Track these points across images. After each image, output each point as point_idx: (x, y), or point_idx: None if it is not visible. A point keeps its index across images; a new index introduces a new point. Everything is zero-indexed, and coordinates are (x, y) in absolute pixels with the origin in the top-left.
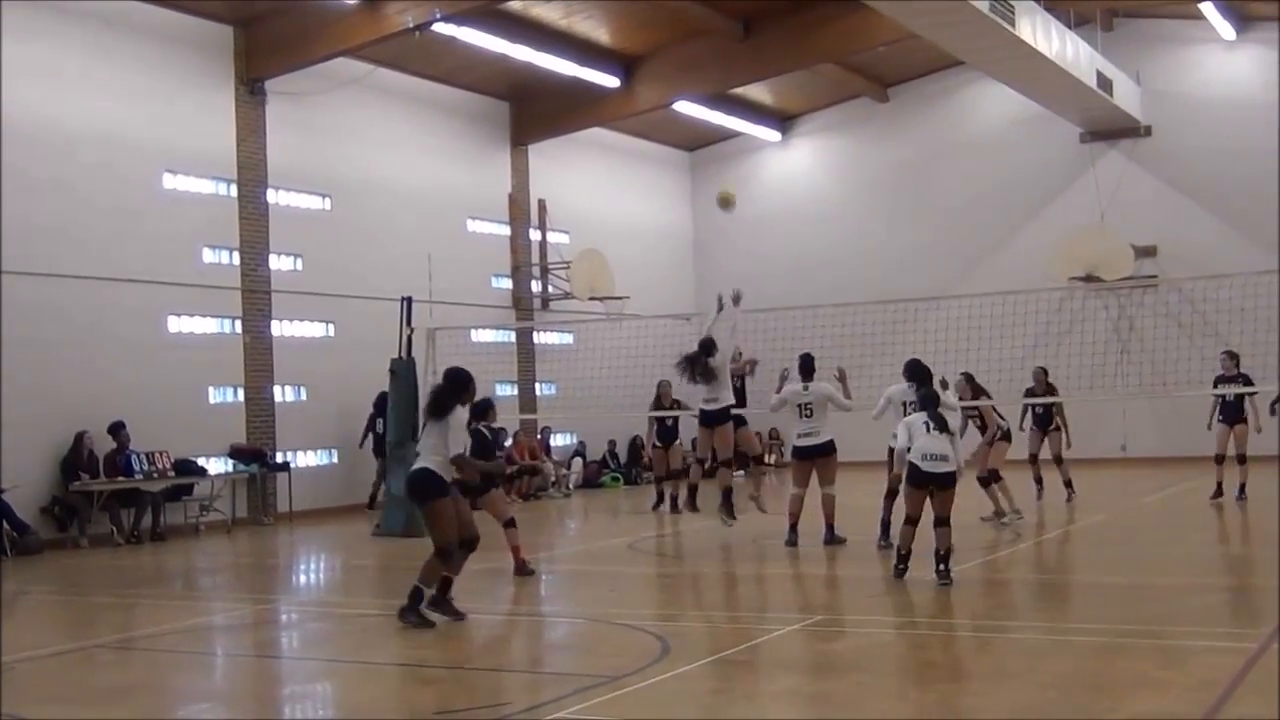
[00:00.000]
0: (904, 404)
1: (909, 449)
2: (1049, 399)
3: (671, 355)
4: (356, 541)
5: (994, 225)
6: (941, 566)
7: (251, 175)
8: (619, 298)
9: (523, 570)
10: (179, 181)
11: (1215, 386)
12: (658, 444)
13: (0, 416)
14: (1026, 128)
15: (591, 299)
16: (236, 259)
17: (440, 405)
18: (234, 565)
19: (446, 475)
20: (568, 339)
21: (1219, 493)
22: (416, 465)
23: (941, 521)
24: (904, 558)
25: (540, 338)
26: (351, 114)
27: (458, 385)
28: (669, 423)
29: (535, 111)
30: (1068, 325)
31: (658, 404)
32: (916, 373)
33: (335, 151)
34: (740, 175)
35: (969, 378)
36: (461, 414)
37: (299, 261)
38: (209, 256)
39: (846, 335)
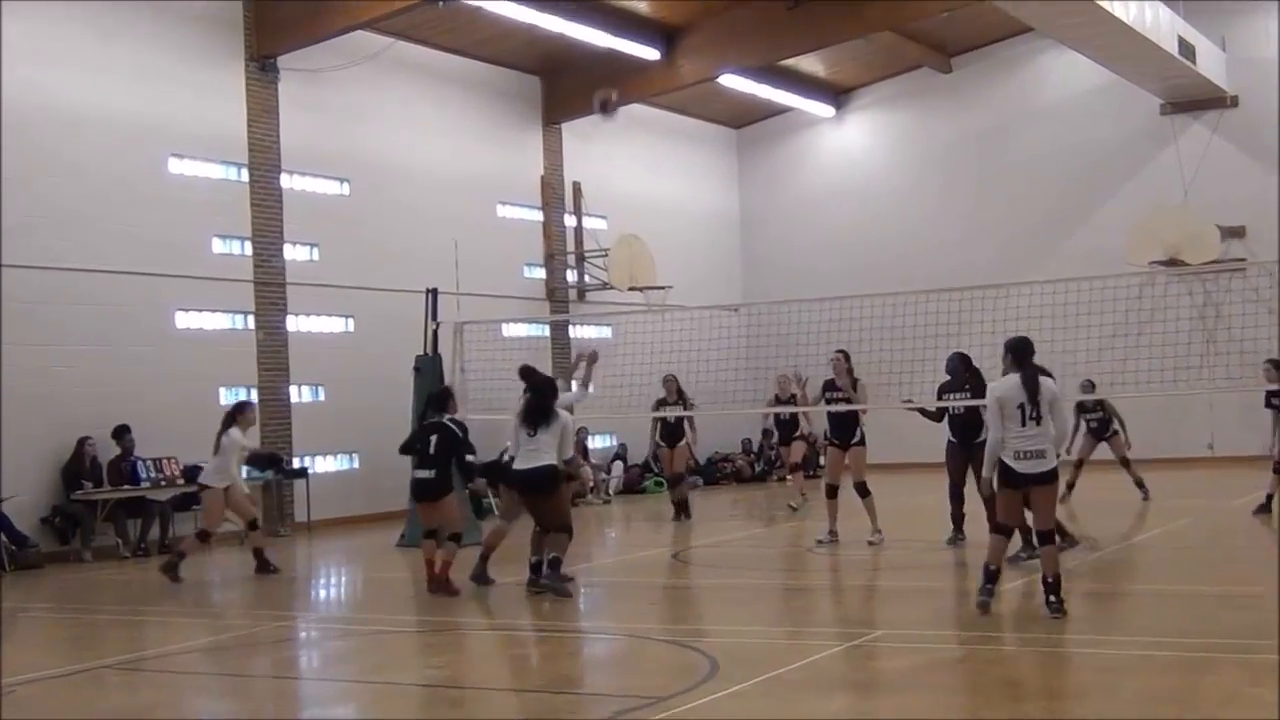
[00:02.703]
0: (1019, 406)
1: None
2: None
3: (718, 349)
4: (380, 553)
5: (1067, 206)
6: (1052, 598)
7: (264, 159)
8: (661, 287)
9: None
10: (186, 166)
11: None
12: (662, 443)
13: None
14: (1102, 99)
15: (631, 289)
16: (249, 249)
17: (546, 411)
18: (248, 579)
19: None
20: (606, 333)
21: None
22: (541, 463)
23: (1045, 538)
24: (992, 576)
25: (576, 331)
26: (370, 91)
27: (550, 390)
28: (672, 420)
29: (569, 86)
30: (1148, 314)
31: (661, 400)
32: (1021, 350)
33: (353, 132)
34: (791, 153)
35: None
36: (566, 419)
37: (316, 251)
38: (219, 247)
39: (905, 326)
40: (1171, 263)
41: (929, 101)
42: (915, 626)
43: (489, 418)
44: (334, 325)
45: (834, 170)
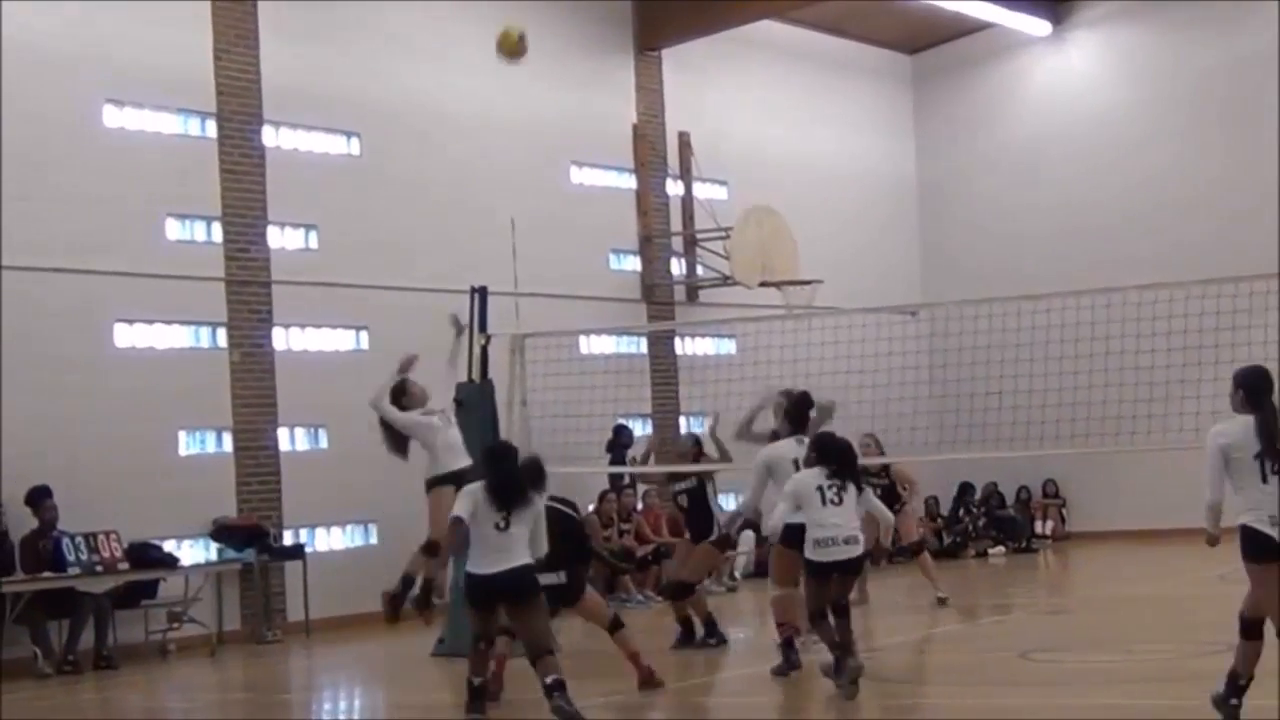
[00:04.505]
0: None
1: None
2: None
3: (888, 366)
4: (410, 666)
5: None
6: None
7: (239, 104)
8: (806, 282)
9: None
10: (128, 117)
11: None
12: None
13: None
14: None
15: (764, 285)
16: (217, 234)
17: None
18: (223, 704)
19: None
20: (729, 347)
21: None
22: (515, 564)
23: None
24: (1238, 689)
25: (686, 346)
26: (387, 10)
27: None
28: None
29: (671, 1)
30: None
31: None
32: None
33: (363, 67)
34: (990, 89)
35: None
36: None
37: (313, 236)
38: (176, 230)
39: (1161, 333)
40: None
41: (1188, 14)
42: None
43: (561, 470)
44: (340, 341)
45: (1051, 112)
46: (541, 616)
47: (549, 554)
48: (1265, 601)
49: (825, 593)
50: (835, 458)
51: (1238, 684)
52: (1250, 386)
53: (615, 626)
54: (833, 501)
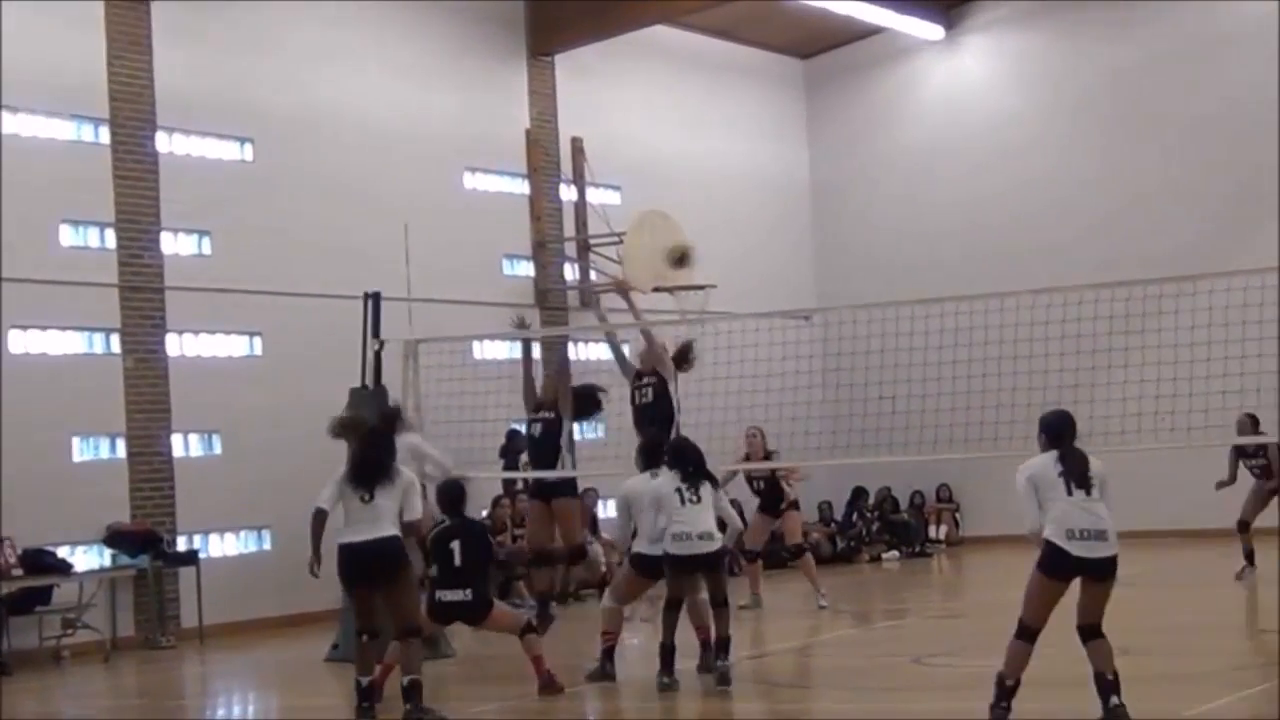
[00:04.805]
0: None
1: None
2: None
3: (781, 370)
4: (303, 671)
5: None
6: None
7: (131, 110)
8: (699, 287)
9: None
10: (21, 123)
11: None
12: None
13: None
14: None
15: (657, 290)
16: (110, 240)
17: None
18: (116, 710)
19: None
20: (622, 351)
21: None
22: (381, 534)
23: (1094, 632)
24: (1009, 692)
25: (579, 351)
26: (281, 14)
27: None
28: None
29: (564, 4)
30: None
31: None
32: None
33: (257, 73)
34: (883, 93)
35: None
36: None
37: (206, 242)
38: (69, 236)
39: (1054, 338)
40: None
41: (1082, 17)
42: None
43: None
44: (233, 347)
45: (943, 117)
46: (410, 592)
47: (455, 571)
48: (1035, 605)
49: (683, 585)
50: (689, 461)
51: (1005, 685)
52: (1052, 432)
53: (526, 630)
54: (691, 500)
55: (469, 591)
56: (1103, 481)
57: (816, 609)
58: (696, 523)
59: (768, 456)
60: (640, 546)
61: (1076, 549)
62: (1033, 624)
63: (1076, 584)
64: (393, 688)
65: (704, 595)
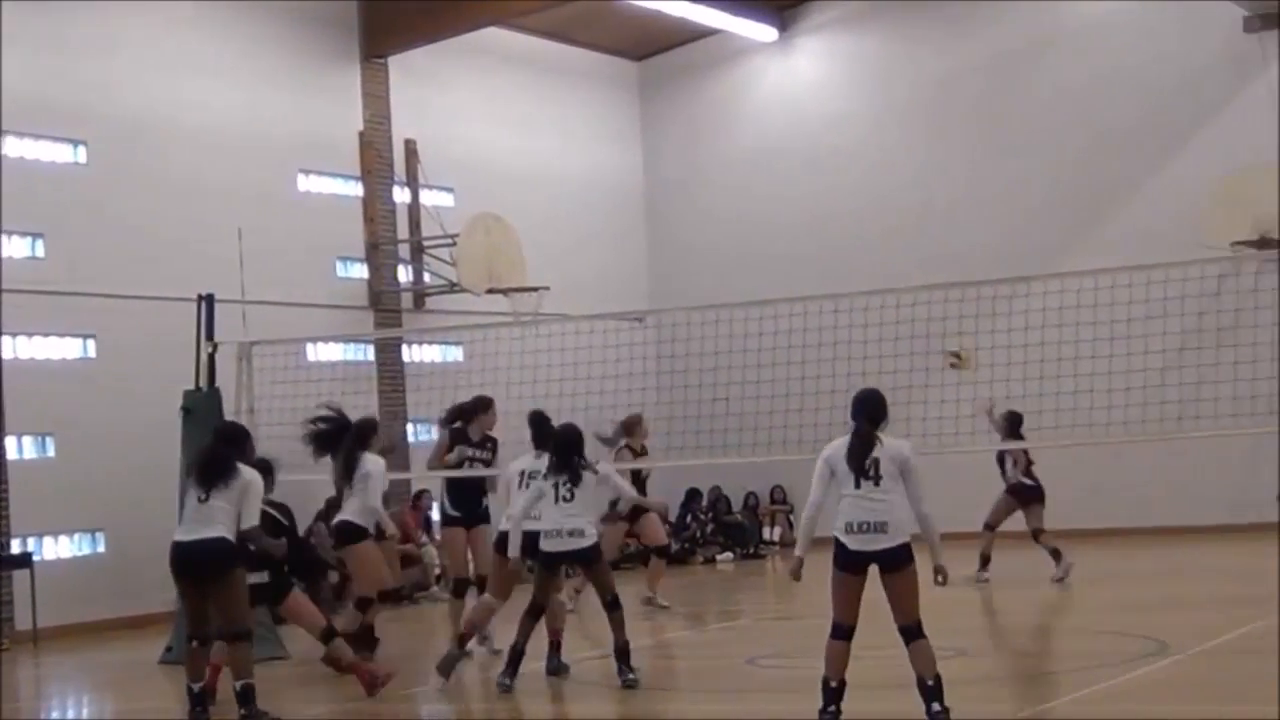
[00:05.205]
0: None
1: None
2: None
3: (616, 373)
4: (138, 674)
5: (1113, 166)
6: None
7: None
8: (533, 289)
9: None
10: None
11: None
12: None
13: None
14: (1160, 12)
15: (491, 292)
16: None
17: (224, 465)
18: None
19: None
20: (456, 354)
21: None
22: (209, 534)
23: (913, 633)
24: (835, 694)
25: (413, 353)
26: (115, 17)
27: (233, 440)
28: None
29: (397, 6)
30: (1231, 317)
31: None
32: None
33: (92, 74)
34: (716, 95)
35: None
36: (249, 476)
37: (39, 244)
38: None
39: (887, 339)
40: (1264, 244)
41: (913, 18)
42: None
43: (291, 479)
44: (67, 349)
45: (777, 119)
46: (237, 594)
47: (256, 554)
48: (838, 604)
49: (548, 586)
50: (571, 451)
51: (830, 689)
52: (853, 410)
53: (328, 636)
54: (564, 498)
55: (266, 574)
56: (902, 467)
57: (655, 609)
58: (566, 521)
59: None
60: (503, 525)
61: (854, 543)
62: (843, 620)
63: None
64: (225, 690)
65: (561, 596)
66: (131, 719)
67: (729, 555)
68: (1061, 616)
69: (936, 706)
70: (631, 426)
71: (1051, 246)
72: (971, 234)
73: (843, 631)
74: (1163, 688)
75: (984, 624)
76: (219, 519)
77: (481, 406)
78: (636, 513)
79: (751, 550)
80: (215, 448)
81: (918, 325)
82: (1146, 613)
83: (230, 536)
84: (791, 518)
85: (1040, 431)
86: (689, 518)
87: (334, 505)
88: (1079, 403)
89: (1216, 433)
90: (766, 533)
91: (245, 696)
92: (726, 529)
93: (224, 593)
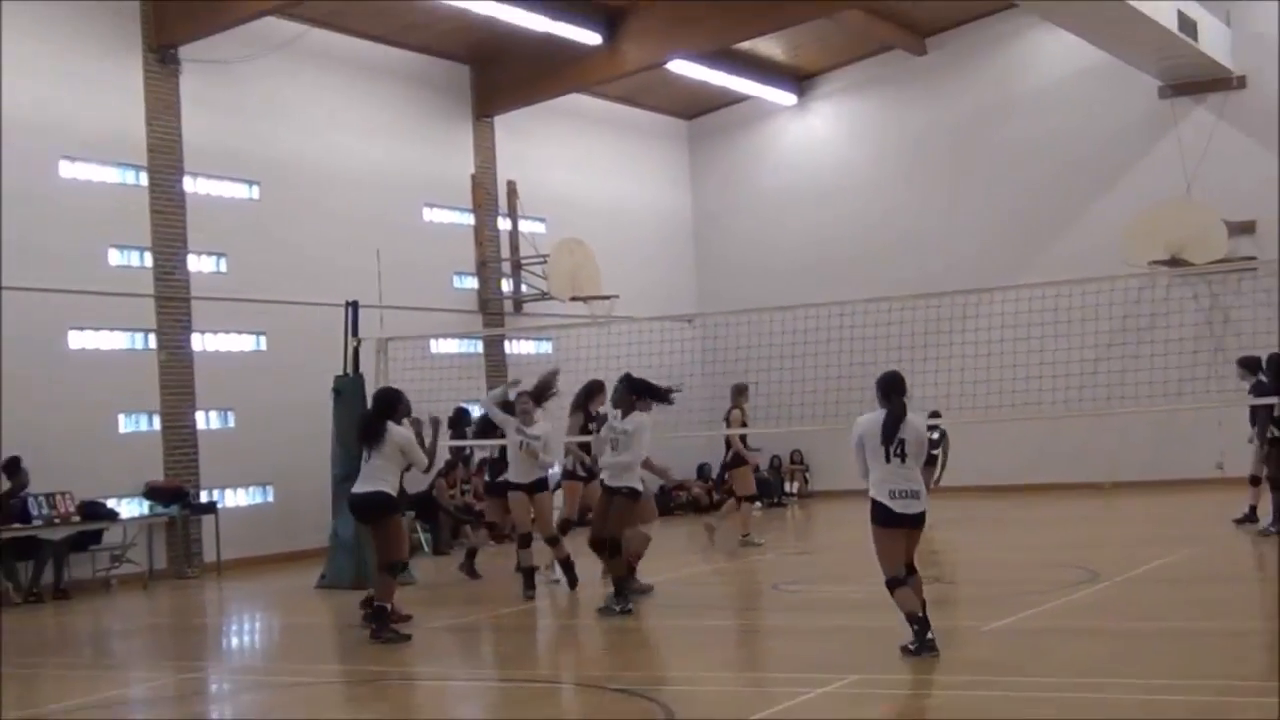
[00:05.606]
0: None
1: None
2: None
3: (670, 363)
4: (297, 596)
5: (1056, 201)
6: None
7: (165, 160)
8: (606, 297)
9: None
10: (79, 170)
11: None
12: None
13: None
14: (1093, 82)
15: (573, 299)
16: (149, 260)
17: (370, 430)
18: (153, 626)
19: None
20: (546, 348)
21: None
22: (364, 489)
23: (912, 569)
24: (924, 622)
25: (513, 347)
26: (281, 84)
27: (384, 405)
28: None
29: (501, 76)
30: (1148, 320)
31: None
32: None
33: (263, 130)
34: (749, 146)
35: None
36: (401, 433)
37: (223, 262)
38: (116, 258)
39: (881, 337)
40: (1174, 262)
41: (901, 87)
42: (892, 671)
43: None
44: (244, 343)
45: (796, 164)
46: (390, 534)
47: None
48: (889, 558)
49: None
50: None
51: (919, 617)
52: (880, 390)
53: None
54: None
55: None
56: (920, 446)
57: (750, 545)
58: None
59: None
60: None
61: (898, 506)
62: (896, 574)
63: None
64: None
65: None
66: (293, 631)
67: (758, 505)
68: (1015, 553)
69: (929, 635)
70: (742, 390)
71: (1008, 264)
72: (946, 254)
73: (899, 580)
74: (1095, 607)
75: (955, 559)
76: (378, 475)
77: (597, 389)
78: (736, 461)
79: (776, 500)
80: (368, 415)
81: (904, 325)
82: (1082, 549)
83: (386, 489)
84: (807, 475)
85: (1001, 409)
86: (726, 475)
87: (493, 462)
88: (1030, 385)
89: (1136, 410)
90: (787, 486)
91: (379, 615)
92: (756, 484)
93: (380, 533)
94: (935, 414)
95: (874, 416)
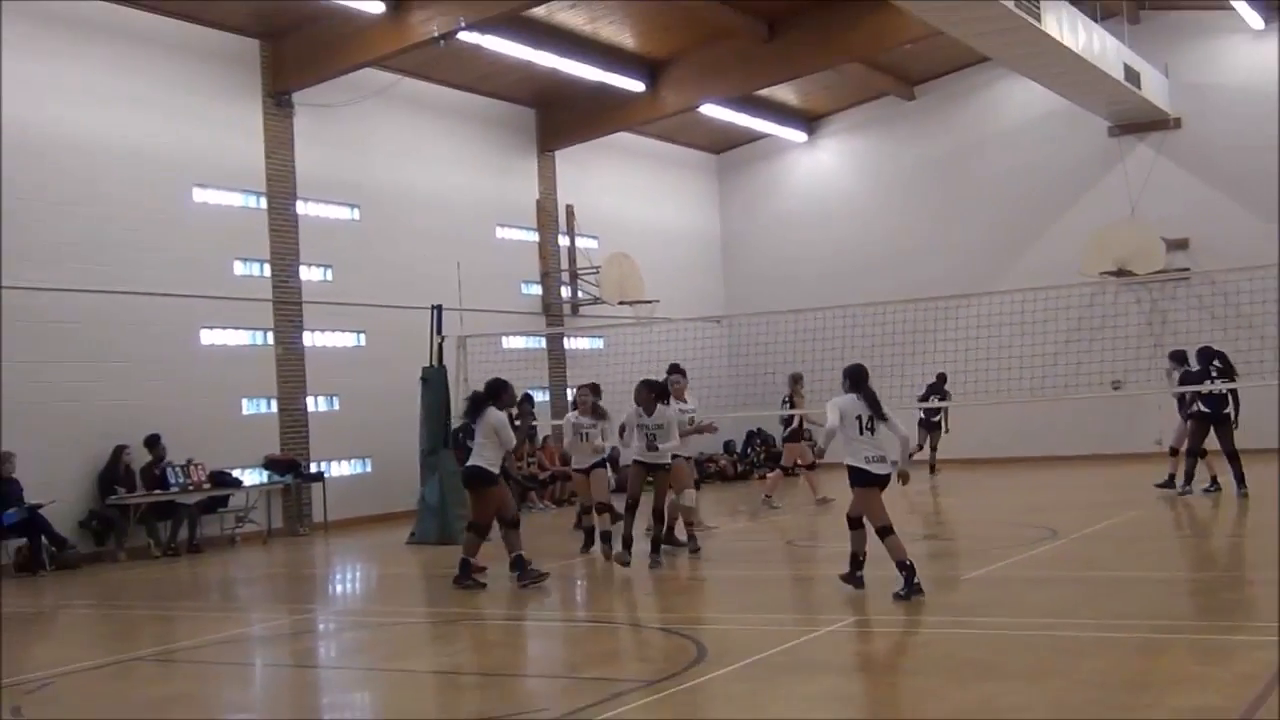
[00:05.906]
0: (857, 418)
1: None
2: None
3: (701, 357)
4: (391, 550)
5: (1023, 222)
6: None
7: (281, 187)
8: (648, 301)
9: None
10: (209, 195)
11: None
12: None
13: (35, 432)
14: (1054, 123)
15: (621, 303)
16: (267, 271)
17: (474, 408)
18: (271, 576)
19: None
20: (598, 344)
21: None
22: (470, 463)
23: (886, 531)
24: (859, 564)
25: (570, 343)
26: (378, 124)
27: (490, 391)
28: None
29: (561, 117)
30: (1100, 321)
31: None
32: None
33: (363, 162)
34: (767, 177)
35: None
36: (496, 415)
37: (329, 272)
38: (240, 269)
39: (877, 335)
40: (1121, 273)
41: (894, 127)
42: (887, 613)
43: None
44: (347, 340)
45: (807, 192)
46: (497, 499)
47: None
48: (867, 511)
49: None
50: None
51: (858, 560)
52: (853, 378)
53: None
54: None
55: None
56: (890, 416)
57: (769, 508)
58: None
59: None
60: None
61: (875, 468)
62: (883, 522)
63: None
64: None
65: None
66: (389, 579)
67: (776, 473)
68: (989, 515)
69: (915, 581)
70: (798, 379)
71: (984, 274)
72: (931, 266)
73: (888, 529)
74: (1056, 560)
75: (941, 520)
76: (480, 452)
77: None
78: (795, 436)
79: (790, 470)
80: (477, 396)
81: (897, 325)
82: (1043, 511)
83: (484, 464)
84: (813, 447)
85: (977, 394)
86: (748, 449)
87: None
88: (1001, 375)
89: (1090, 395)
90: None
91: (517, 563)
92: (773, 456)
93: (488, 500)
94: (941, 378)
95: (850, 399)
